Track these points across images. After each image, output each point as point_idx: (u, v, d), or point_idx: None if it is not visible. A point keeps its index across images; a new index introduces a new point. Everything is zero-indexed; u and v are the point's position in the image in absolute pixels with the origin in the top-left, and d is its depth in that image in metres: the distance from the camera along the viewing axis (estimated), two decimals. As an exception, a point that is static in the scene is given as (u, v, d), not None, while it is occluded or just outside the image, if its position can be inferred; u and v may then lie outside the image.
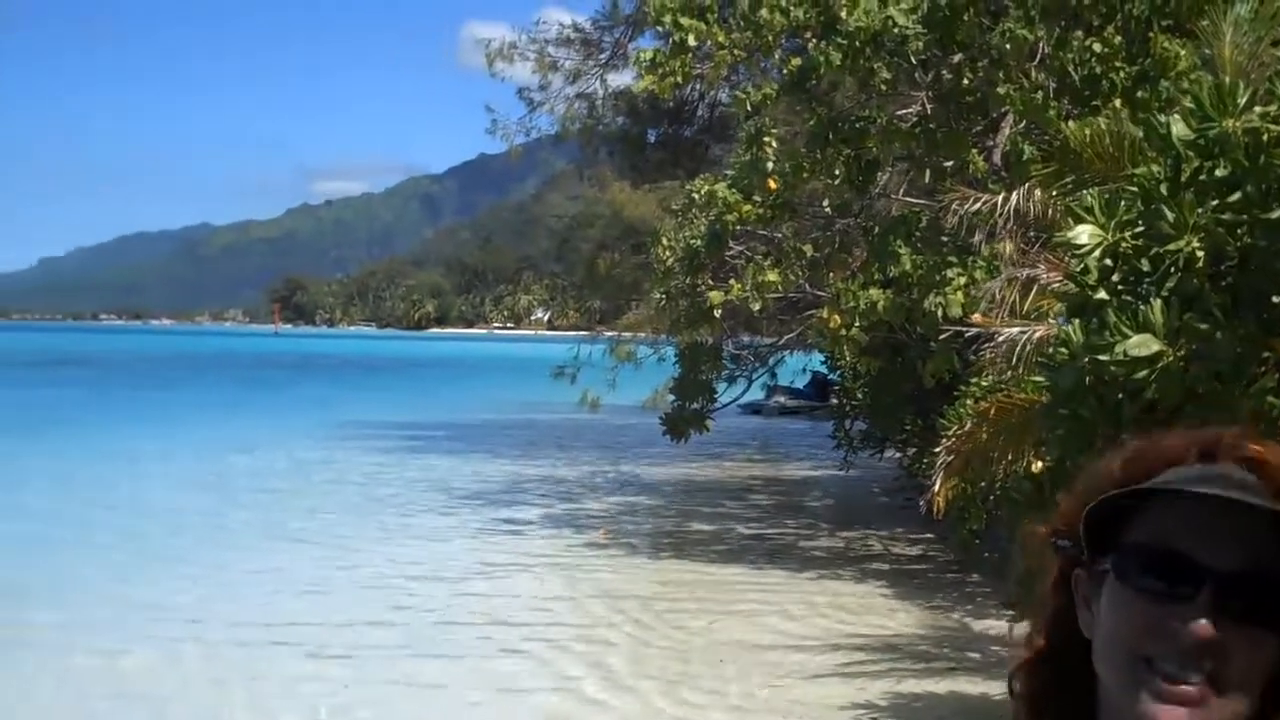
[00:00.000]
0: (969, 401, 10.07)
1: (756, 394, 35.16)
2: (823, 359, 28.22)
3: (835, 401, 28.27)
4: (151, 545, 20.08)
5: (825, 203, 18.11)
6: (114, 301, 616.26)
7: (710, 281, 18.15)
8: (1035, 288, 10.61)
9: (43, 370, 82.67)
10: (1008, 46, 14.41)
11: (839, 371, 26.21)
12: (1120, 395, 6.18)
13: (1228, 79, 6.62)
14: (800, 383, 47.61)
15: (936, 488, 10.31)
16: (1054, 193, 9.86)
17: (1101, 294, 6.29)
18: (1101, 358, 6.04)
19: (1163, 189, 6.14)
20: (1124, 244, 6.27)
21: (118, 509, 23.77)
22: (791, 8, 15.52)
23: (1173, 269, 6.04)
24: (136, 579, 17.37)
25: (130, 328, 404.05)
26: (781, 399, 49.92)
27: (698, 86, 26.50)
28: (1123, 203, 6.38)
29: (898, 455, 23.98)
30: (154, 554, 19.36)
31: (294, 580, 17.55)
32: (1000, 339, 10.15)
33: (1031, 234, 13.28)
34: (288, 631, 14.56)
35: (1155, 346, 5.90)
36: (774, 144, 16.38)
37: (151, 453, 33.06)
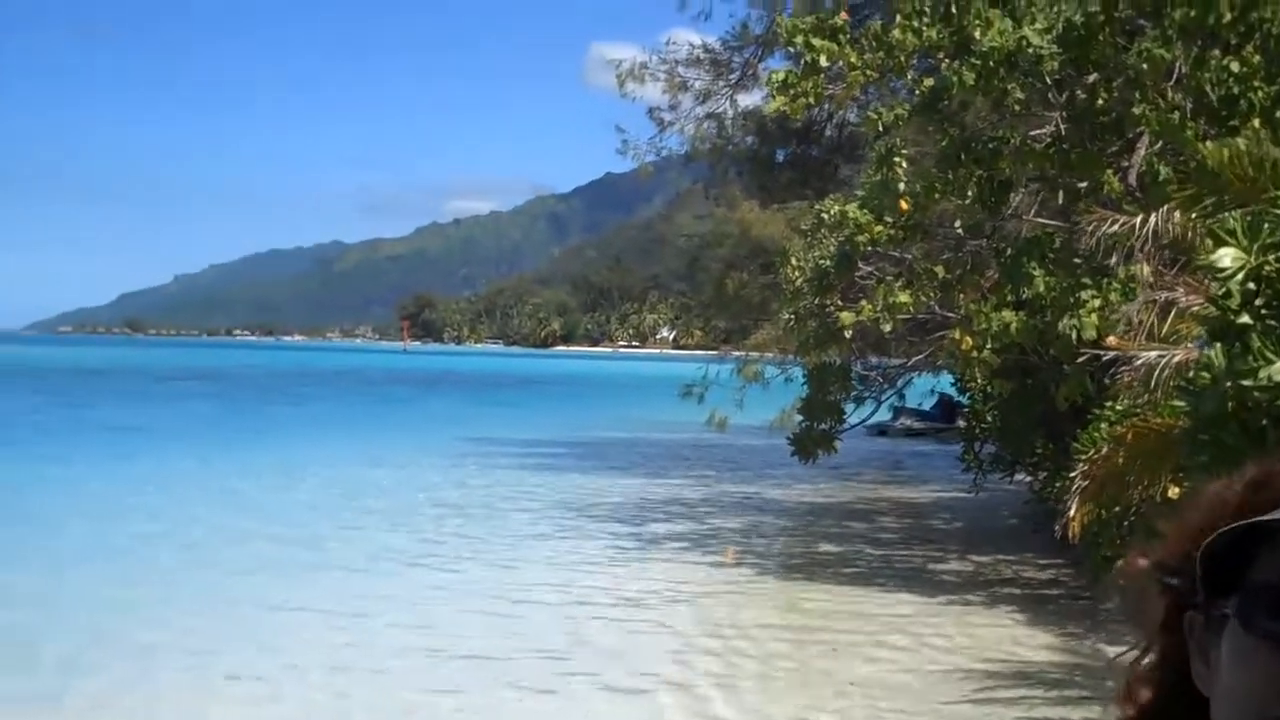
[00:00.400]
0: (1104, 425, 9.95)
1: (883, 415, 34.96)
2: (952, 380, 27.96)
3: (963, 424, 28.03)
4: (269, 563, 20.26)
5: (957, 223, 17.96)
6: (247, 318, 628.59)
7: (839, 302, 18.10)
8: (1174, 311, 10.47)
9: (178, 385, 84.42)
10: (1144, 66, 14.22)
11: (968, 393, 25.96)
12: (1264, 421, 6.09)
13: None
14: (926, 404, 47.34)
15: (1071, 513, 10.19)
16: (1193, 215, 9.72)
17: (1245, 318, 6.21)
18: (1245, 383, 5.96)
19: (1308, 212, 6.05)
20: (1268, 267, 6.18)
21: (230, 523, 24.07)
22: (924, 28, 15.46)
23: (1319, 293, 5.95)
24: (244, 598, 17.52)
25: (263, 343, 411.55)
26: (908, 421, 49.61)
27: (826, 106, 26.45)
28: (1266, 225, 6.29)
29: (1028, 479, 23.67)
30: (268, 571, 19.53)
31: (403, 604, 17.48)
32: (1138, 362, 10.03)
33: (1169, 256, 13.10)
34: (388, 658, 14.53)
35: (1301, 372, 5.81)
36: (904, 164, 16.30)
37: (273, 467, 33.55)
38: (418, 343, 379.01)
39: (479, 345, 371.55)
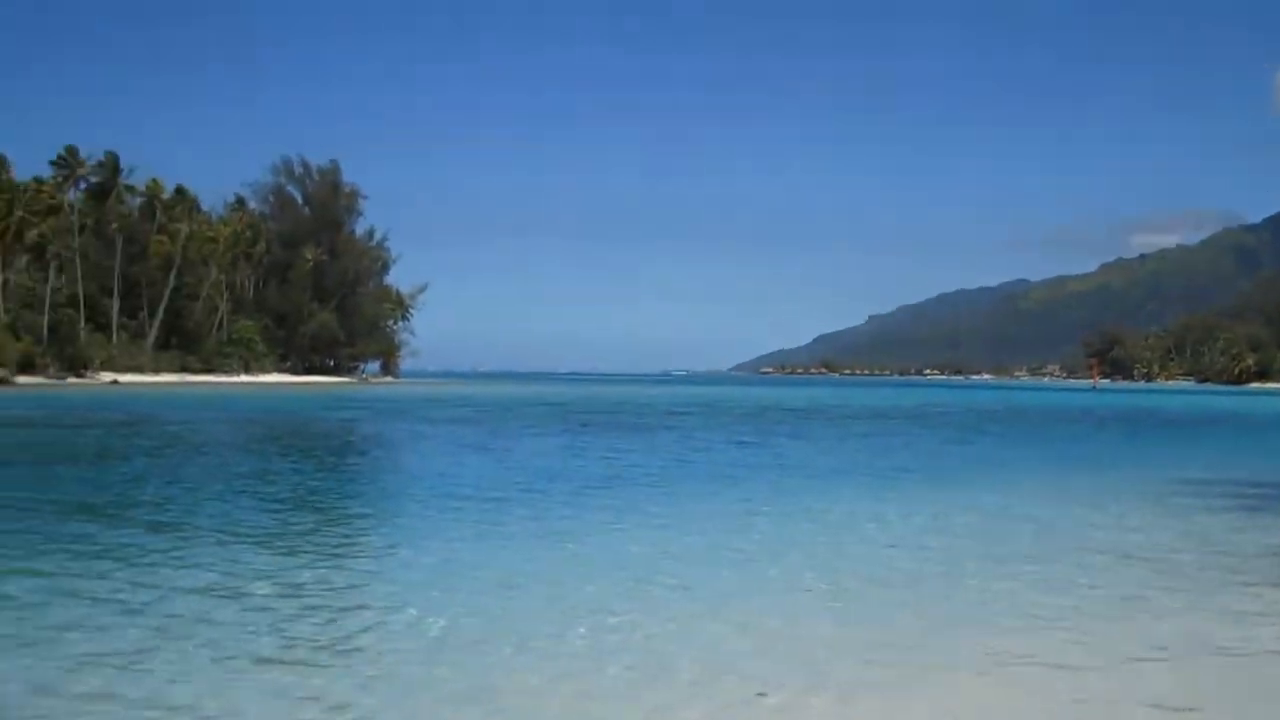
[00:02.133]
0: None
1: None
2: None
3: None
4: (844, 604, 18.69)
5: None
6: (935, 356, 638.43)
7: None
8: None
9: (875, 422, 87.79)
10: None
11: None
12: None
13: None
14: None
15: None
16: None
17: None
18: None
19: None
20: None
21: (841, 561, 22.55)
22: None
23: None
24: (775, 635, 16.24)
25: (952, 382, 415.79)
26: None
27: None
28: None
29: None
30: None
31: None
32: None
33: None
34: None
35: None
36: None
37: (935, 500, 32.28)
38: (1106, 380, 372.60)
39: (1170, 383, 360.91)
